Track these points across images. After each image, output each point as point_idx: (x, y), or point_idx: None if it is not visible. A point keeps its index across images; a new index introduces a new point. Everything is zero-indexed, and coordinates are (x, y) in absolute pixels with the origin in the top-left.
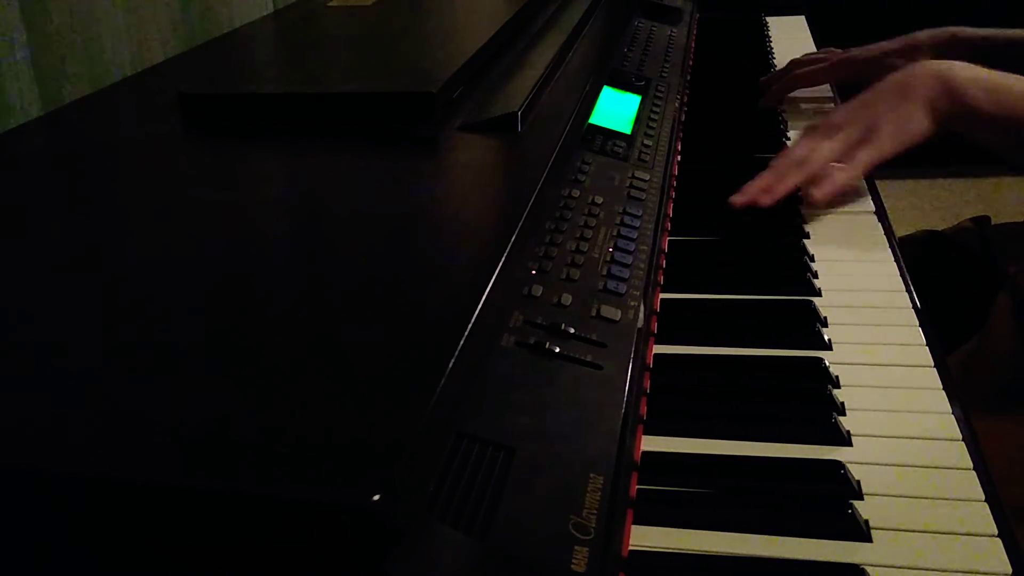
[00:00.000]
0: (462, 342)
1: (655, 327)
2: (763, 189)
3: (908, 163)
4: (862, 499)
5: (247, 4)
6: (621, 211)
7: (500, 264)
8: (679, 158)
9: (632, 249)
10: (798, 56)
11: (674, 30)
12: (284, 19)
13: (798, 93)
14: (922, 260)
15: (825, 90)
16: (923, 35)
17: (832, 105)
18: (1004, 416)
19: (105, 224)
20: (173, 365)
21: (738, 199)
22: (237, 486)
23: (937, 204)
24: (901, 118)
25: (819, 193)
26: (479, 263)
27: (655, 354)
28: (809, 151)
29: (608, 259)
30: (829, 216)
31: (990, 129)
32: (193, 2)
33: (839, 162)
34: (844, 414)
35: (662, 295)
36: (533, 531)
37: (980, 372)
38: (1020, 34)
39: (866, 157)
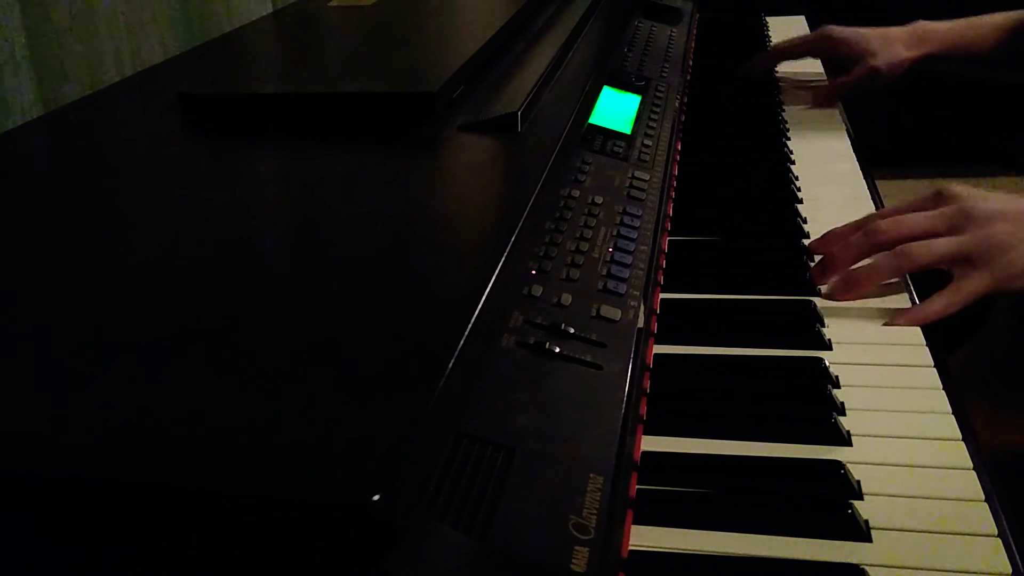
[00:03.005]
0: (462, 342)
1: (655, 327)
2: (852, 271)
3: (908, 162)
4: (862, 499)
5: (247, 4)
6: (621, 211)
7: (500, 264)
8: (679, 158)
9: (632, 249)
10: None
11: (674, 30)
12: (284, 19)
13: (798, 94)
14: None
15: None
16: (897, 30)
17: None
18: (1005, 415)
19: (105, 224)
20: (173, 365)
21: (823, 280)
22: (237, 486)
23: None
24: None
25: (907, 319)
26: (479, 263)
27: (655, 354)
28: (924, 245)
29: (608, 259)
30: (829, 216)
31: None
32: (193, 2)
33: (946, 260)
34: (844, 414)
35: (662, 295)
36: (533, 531)
37: (980, 372)
38: (980, 19)
39: (974, 287)
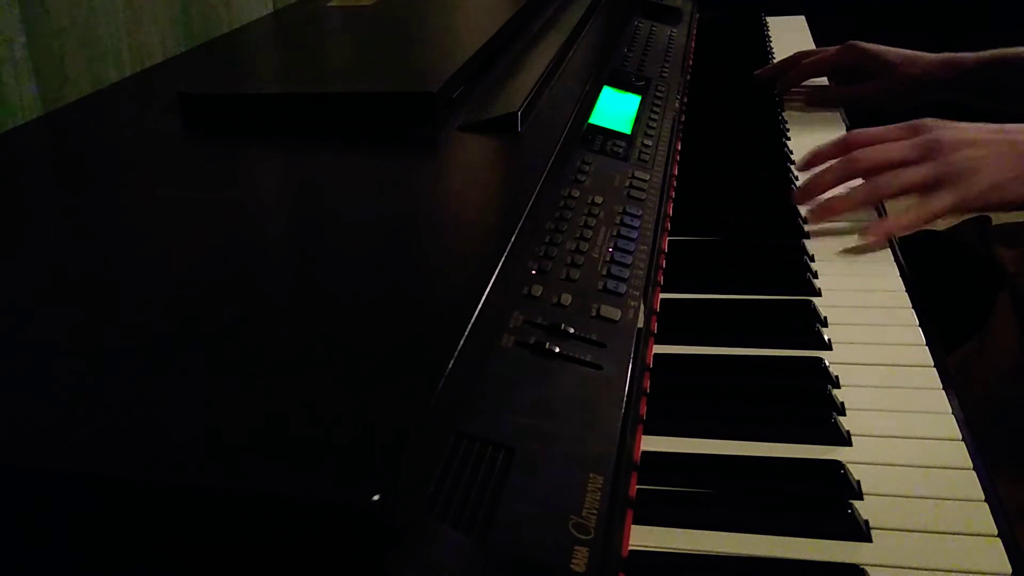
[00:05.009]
0: (462, 342)
1: (655, 327)
2: (830, 198)
3: None
4: (862, 499)
5: (247, 4)
6: (621, 211)
7: (500, 264)
8: (679, 158)
9: (632, 249)
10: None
11: (674, 30)
12: (284, 19)
13: (798, 94)
14: (922, 260)
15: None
16: (926, 55)
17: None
18: (1005, 416)
19: (105, 224)
20: (173, 364)
21: (801, 199)
22: (237, 485)
23: None
24: (1005, 177)
25: (873, 236)
26: (479, 263)
27: (655, 354)
28: (894, 175)
29: (608, 259)
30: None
31: None
32: (193, 2)
33: (915, 187)
34: (844, 414)
35: (662, 295)
36: (533, 531)
37: (980, 372)
38: (1016, 50)
39: (939, 205)
